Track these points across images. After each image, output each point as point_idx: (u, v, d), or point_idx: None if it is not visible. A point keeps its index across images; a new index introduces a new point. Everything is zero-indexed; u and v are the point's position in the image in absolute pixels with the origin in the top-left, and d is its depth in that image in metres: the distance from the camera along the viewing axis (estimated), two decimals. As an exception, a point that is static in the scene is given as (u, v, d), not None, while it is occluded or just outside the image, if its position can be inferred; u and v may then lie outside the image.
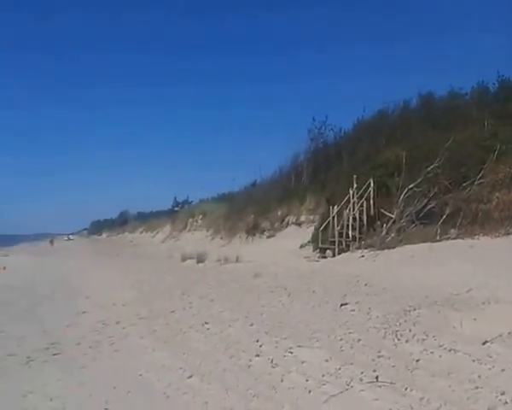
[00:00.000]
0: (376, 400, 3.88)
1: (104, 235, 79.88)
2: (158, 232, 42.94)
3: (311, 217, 19.60)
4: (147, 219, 56.26)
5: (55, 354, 5.93)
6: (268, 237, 21.52)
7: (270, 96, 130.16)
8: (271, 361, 5.10)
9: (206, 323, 7.16)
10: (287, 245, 17.79)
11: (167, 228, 40.55)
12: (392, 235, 12.92)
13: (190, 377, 4.86)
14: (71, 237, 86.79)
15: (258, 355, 5.37)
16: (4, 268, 18.59)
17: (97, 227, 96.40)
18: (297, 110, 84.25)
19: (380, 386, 4.14)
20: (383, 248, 12.36)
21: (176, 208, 49.10)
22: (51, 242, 56.43)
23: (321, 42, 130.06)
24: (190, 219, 35.72)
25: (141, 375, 5.02)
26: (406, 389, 4.02)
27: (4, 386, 4.82)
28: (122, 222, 73.02)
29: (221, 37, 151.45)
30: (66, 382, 4.89)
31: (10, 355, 5.91)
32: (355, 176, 15.66)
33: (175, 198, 52.31)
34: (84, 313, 8.68)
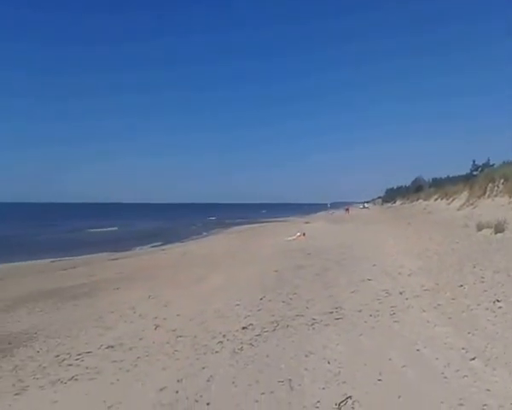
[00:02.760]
0: None
1: (398, 202, 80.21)
2: (454, 199, 40.12)
3: None
4: (442, 186, 53.63)
5: (337, 319, 6.32)
6: None
7: None
8: None
9: (498, 301, 6.32)
10: None
11: (464, 194, 37.47)
12: None
13: (473, 359, 4.43)
14: (366, 205, 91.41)
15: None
16: (304, 234, 20.94)
17: (391, 195, 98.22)
18: None
19: None
20: None
21: (474, 173, 45.26)
22: (347, 210, 60.91)
23: None
24: (490, 184, 32.04)
25: (418, 350, 4.85)
26: None
27: (291, 345, 5.43)
28: (416, 189, 72.21)
29: None
30: (344, 347, 5.16)
31: (298, 316, 6.62)
32: None
33: (473, 162, 48.30)
34: (369, 280, 8.91)
